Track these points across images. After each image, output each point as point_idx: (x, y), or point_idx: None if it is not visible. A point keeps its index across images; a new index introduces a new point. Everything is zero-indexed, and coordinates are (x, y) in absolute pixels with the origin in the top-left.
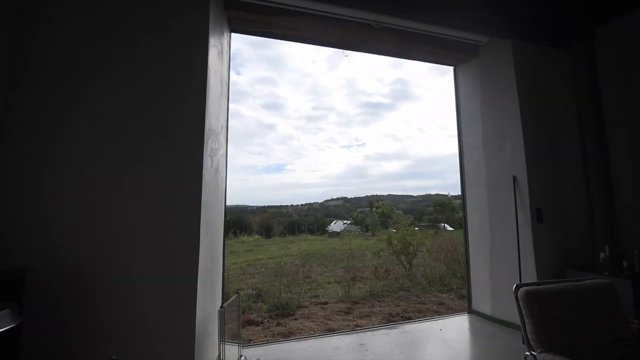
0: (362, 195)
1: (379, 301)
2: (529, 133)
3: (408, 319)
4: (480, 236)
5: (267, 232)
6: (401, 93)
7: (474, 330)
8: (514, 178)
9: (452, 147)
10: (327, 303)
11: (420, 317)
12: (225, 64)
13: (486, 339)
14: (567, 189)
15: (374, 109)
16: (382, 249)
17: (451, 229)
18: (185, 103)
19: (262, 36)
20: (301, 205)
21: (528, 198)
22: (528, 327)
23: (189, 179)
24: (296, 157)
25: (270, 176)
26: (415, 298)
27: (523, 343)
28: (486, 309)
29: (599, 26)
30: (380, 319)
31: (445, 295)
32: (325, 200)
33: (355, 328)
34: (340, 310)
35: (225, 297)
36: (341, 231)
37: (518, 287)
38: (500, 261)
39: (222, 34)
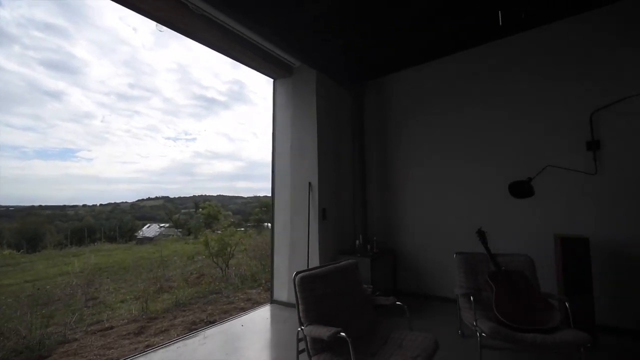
0: (188, 195)
1: (184, 310)
2: (322, 148)
3: (212, 322)
4: (283, 232)
5: (30, 243)
6: (238, 94)
7: (273, 318)
8: (309, 184)
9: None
10: (112, 327)
11: (226, 318)
12: None
13: (281, 322)
14: (343, 194)
15: (209, 103)
16: (197, 252)
17: None
18: None
19: None
20: (101, 205)
21: (317, 200)
22: (300, 306)
23: None
24: (98, 143)
25: (49, 164)
26: (225, 299)
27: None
28: (284, 297)
29: (367, 80)
30: (181, 330)
31: (254, 291)
32: (139, 200)
33: (147, 349)
34: (130, 333)
35: None
36: (155, 236)
37: (297, 274)
38: (296, 253)
39: None
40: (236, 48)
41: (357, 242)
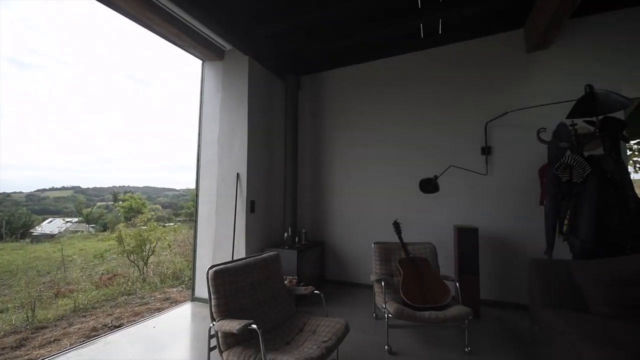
0: (106, 186)
1: (84, 316)
2: (252, 138)
3: (118, 327)
4: (207, 226)
5: None
6: (159, 74)
7: (193, 316)
8: (238, 174)
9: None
10: None
11: (136, 320)
12: None
13: (199, 320)
14: (274, 187)
15: (132, 81)
16: (108, 250)
17: None
18: None
19: None
20: None
21: (246, 192)
22: (212, 301)
23: None
24: None
25: None
26: (139, 300)
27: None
28: (206, 294)
29: (302, 74)
30: (77, 338)
31: (175, 290)
32: (39, 190)
33: None
34: (5, 347)
35: None
36: (60, 233)
37: (210, 268)
38: (221, 247)
39: None
40: (155, 20)
41: (286, 234)
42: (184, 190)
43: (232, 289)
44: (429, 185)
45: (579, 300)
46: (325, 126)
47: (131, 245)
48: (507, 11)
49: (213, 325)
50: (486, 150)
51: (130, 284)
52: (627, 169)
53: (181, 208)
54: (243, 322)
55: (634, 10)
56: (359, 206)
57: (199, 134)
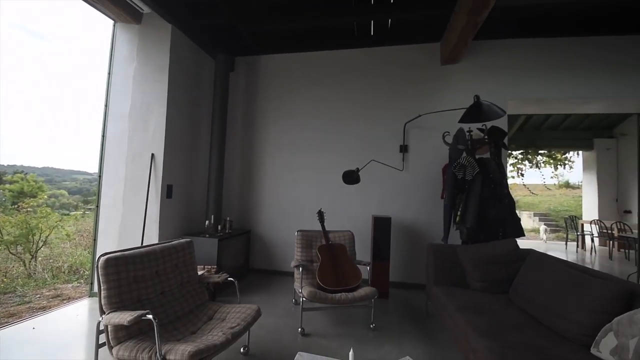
0: None
1: None
2: (172, 115)
3: None
4: (113, 212)
5: None
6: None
7: (90, 313)
8: (152, 155)
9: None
10: None
11: (13, 321)
12: None
13: (95, 317)
14: (197, 172)
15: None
16: None
17: None
18: None
19: None
20: None
21: (162, 175)
22: (102, 292)
23: None
24: None
25: None
26: (18, 299)
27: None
28: None
29: (237, 55)
30: None
31: (70, 285)
32: None
33: None
34: None
35: None
36: None
37: (101, 256)
38: (128, 236)
39: None
40: None
41: (207, 222)
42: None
43: (128, 279)
44: (350, 177)
45: (462, 278)
46: (258, 112)
47: (13, 234)
48: (428, 25)
49: (102, 319)
50: (403, 149)
51: (8, 281)
52: (505, 170)
53: (94, 194)
54: (136, 313)
55: (519, 42)
56: (289, 195)
57: (106, 106)
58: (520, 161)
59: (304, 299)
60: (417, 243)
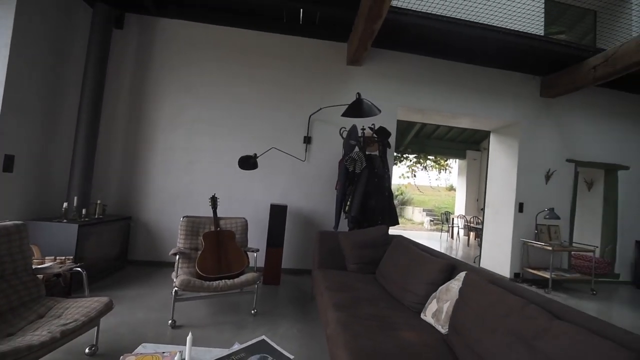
0: None
1: None
2: (17, 68)
3: None
4: None
5: None
6: None
7: None
8: None
9: None
10: None
11: None
12: None
13: None
14: (57, 144)
15: None
16: None
17: None
18: None
19: None
20: None
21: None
22: None
23: None
24: None
25: None
26: None
27: None
28: None
29: (128, 11)
30: None
31: None
32: None
33: None
34: None
35: None
36: None
37: None
38: None
39: None
40: None
41: (66, 204)
42: None
43: None
44: (247, 163)
45: (341, 262)
46: (150, 81)
47: None
48: (339, 24)
49: None
50: (307, 140)
51: None
52: (388, 166)
53: None
54: None
55: (411, 56)
56: (183, 179)
57: None
58: (414, 164)
59: (175, 288)
60: (312, 231)
